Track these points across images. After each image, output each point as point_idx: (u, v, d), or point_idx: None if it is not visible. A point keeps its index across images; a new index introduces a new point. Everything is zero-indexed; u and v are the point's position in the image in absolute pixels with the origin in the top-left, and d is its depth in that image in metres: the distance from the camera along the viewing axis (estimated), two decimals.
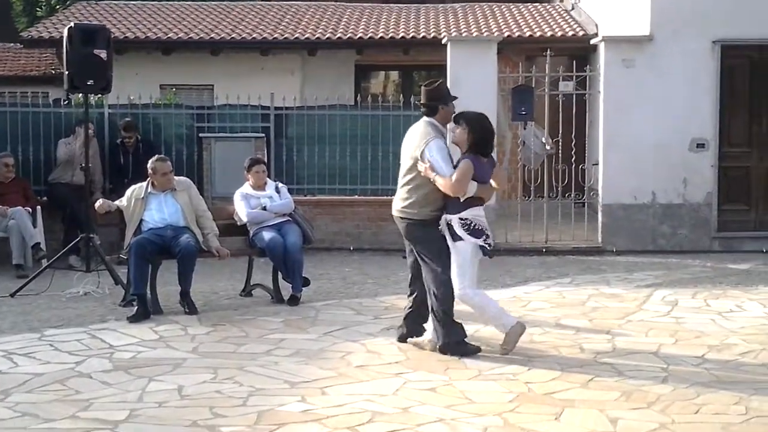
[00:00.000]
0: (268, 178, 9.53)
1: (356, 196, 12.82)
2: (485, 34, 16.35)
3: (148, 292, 8.27)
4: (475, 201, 6.78)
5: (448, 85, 12.43)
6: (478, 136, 6.88)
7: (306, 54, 17.65)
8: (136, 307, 8.11)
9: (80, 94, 10.76)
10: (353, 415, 5.36)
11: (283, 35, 17.29)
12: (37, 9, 22.43)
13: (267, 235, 8.94)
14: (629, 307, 8.65)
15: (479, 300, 6.91)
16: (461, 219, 6.71)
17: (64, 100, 12.96)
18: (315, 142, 12.83)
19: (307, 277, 9.08)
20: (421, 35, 17.04)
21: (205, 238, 8.71)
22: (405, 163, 7.05)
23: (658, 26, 12.33)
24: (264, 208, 9.10)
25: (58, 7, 20.95)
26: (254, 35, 17.26)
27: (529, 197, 12.75)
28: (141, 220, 8.54)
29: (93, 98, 11.89)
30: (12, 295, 9.19)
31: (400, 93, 16.47)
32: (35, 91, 17.96)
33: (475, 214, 6.77)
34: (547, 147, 12.63)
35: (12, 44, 20.26)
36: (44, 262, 10.10)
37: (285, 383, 6.07)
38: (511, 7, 19.18)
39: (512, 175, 15.91)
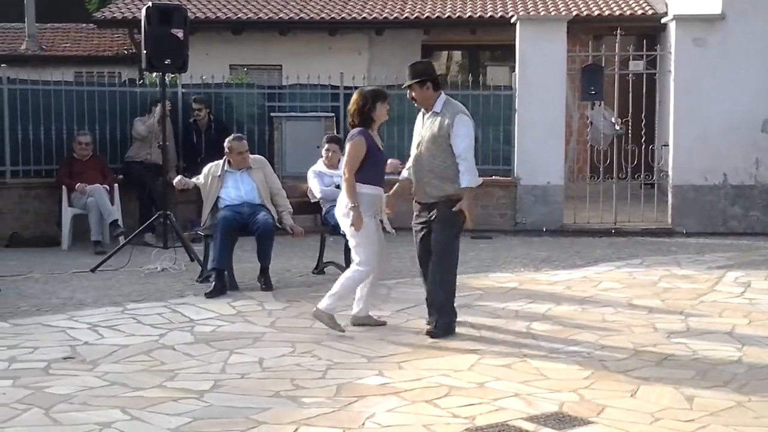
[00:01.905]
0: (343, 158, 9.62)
1: None
2: (554, 13, 16.28)
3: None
4: None
5: (517, 64, 12.53)
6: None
7: (373, 34, 17.77)
8: (213, 283, 8.30)
9: (156, 74, 10.98)
10: (430, 388, 5.47)
11: (350, 15, 17.41)
12: None
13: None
14: (701, 288, 8.63)
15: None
16: None
17: (139, 80, 13.23)
18: (384, 122, 12.87)
19: None
20: (488, 14, 17.05)
21: (280, 215, 8.87)
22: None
23: (730, 5, 12.19)
24: (338, 186, 9.22)
25: None
26: (322, 15, 17.42)
27: (598, 178, 12.73)
28: (218, 198, 8.73)
29: (167, 78, 12.10)
30: (92, 270, 9.46)
31: (467, 73, 16.50)
32: (108, 71, 18.38)
33: None
34: (616, 127, 12.59)
35: (85, 25, 20.66)
36: (122, 239, 10.38)
37: (362, 357, 6.20)
38: None
39: (580, 156, 15.90)
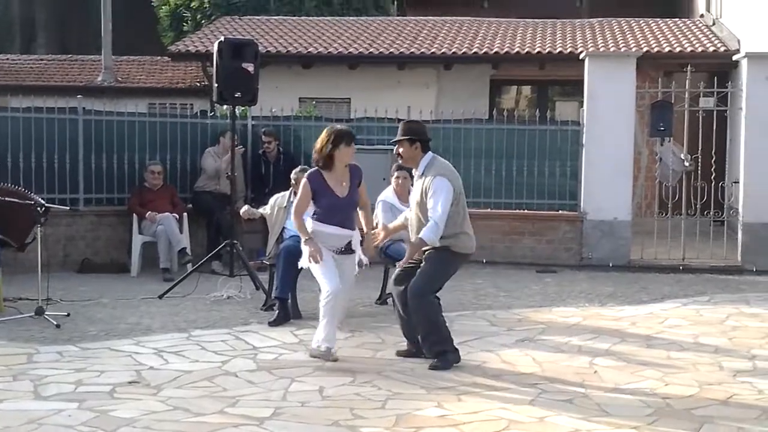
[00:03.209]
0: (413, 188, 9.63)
1: (490, 210, 12.87)
2: (623, 49, 16.21)
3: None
4: None
5: (585, 99, 12.50)
6: None
7: (442, 68, 17.84)
8: (277, 312, 8.40)
9: (226, 106, 11.20)
10: (489, 422, 5.46)
11: (419, 50, 17.52)
12: (183, 24, 23.26)
13: (406, 248, 9.08)
14: None
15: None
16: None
17: (210, 112, 13.48)
18: (449, 156, 12.79)
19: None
20: (558, 50, 17.01)
21: None
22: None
23: None
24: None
25: (203, 22, 21.69)
26: (391, 50, 17.55)
27: (666, 214, 12.57)
28: (283, 228, 8.85)
29: (237, 110, 12.31)
30: (160, 297, 9.63)
31: (535, 108, 16.47)
32: (181, 103, 18.75)
33: None
34: (686, 163, 12.46)
35: (159, 57, 21.12)
36: (189, 267, 10.54)
37: (421, 389, 6.21)
38: (650, 22, 18.91)
39: (648, 192, 15.74)
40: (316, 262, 6.83)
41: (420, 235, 6.76)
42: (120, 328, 8.10)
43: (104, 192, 12.02)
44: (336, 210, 7.00)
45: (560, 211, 12.58)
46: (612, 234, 12.34)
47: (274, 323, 8.24)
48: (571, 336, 8.00)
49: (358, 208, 7.18)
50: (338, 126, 7.25)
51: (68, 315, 8.52)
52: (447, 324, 7.03)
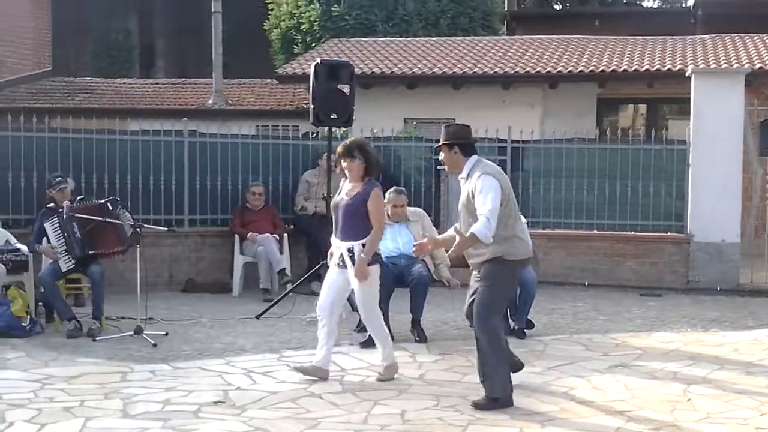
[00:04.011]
0: None
1: (593, 231, 12.65)
2: (733, 66, 15.74)
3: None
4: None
5: (691, 117, 12.17)
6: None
7: (547, 87, 17.65)
8: (368, 334, 8.39)
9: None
10: None
11: (524, 69, 17.38)
12: (294, 46, 23.67)
13: None
14: None
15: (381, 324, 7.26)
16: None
17: (313, 133, 13.64)
18: (552, 176, 12.80)
19: (532, 320, 9.06)
20: (666, 67, 16.62)
21: (437, 268, 8.92)
22: None
23: None
24: None
25: (313, 44, 22.03)
26: (496, 69, 17.46)
27: None
28: None
29: (338, 131, 12.42)
30: (257, 317, 9.75)
31: (646, 127, 16.14)
32: (288, 125, 19.05)
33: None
34: None
35: (269, 80, 21.53)
36: (288, 287, 10.65)
37: (504, 414, 6.12)
38: (765, 37, 18.32)
39: (761, 213, 15.20)
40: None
41: (472, 230, 6.26)
42: (213, 348, 8.24)
43: (208, 213, 12.28)
44: (337, 220, 7.32)
45: (668, 233, 12.30)
46: (720, 257, 11.97)
47: (365, 345, 8.23)
48: (667, 362, 7.76)
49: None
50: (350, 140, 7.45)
51: (166, 334, 8.70)
52: (512, 357, 6.81)
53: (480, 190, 6.30)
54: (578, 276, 12.47)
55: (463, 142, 6.60)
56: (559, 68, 17.26)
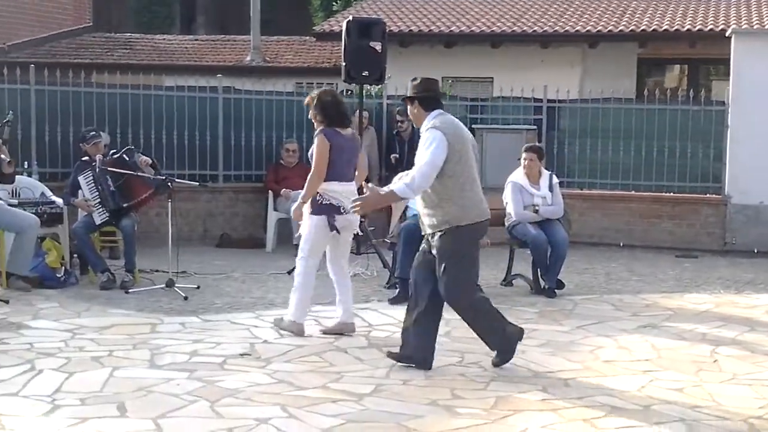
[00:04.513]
0: (545, 170, 9.47)
1: (629, 192, 12.54)
2: None
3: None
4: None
5: (731, 78, 11.97)
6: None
7: (587, 47, 17.47)
8: (398, 290, 8.43)
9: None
10: (591, 408, 5.32)
11: (564, 28, 17.19)
12: (333, 3, 23.58)
13: (532, 230, 8.97)
14: None
15: (305, 276, 7.10)
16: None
17: (348, 91, 13.60)
18: (588, 135, 12.69)
19: (562, 280, 9.02)
20: (709, 27, 16.36)
21: None
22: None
23: None
24: (536, 211, 9.09)
25: (352, 2, 21.91)
26: (535, 28, 17.29)
27: None
28: (406, 207, 8.85)
29: (373, 89, 12.38)
30: (289, 273, 9.74)
31: (686, 87, 15.94)
32: (324, 82, 18.97)
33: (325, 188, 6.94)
34: None
35: (307, 37, 21.48)
36: None
37: (529, 372, 6.11)
38: None
39: None
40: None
41: (392, 186, 6.00)
42: (244, 302, 8.31)
43: (242, 169, 12.34)
44: None
45: (706, 195, 12.18)
46: (757, 219, 11.85)
47: (393, 301, 8.26)
48: (698, 323, 7.71)
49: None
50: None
51: (198, 287, 8.79)
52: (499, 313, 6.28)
53: (422, 143, 5.95)
54: (613, 237, 12.40)
55: (424, 96, 6.14)
56: (599, 27, 17.05)
